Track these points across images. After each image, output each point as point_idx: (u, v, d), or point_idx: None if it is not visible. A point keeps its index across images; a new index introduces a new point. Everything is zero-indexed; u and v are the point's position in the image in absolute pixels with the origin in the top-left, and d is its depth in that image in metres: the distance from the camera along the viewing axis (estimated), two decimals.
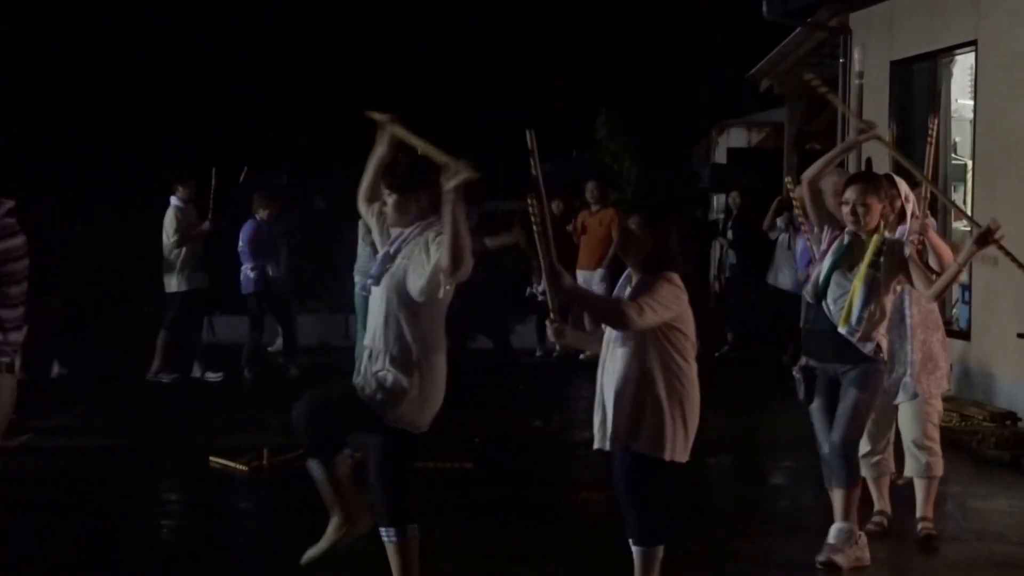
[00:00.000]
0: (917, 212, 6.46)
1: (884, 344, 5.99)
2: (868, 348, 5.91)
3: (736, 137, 20.32)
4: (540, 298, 11.92)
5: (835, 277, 5.99)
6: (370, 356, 5.16)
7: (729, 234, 14.47)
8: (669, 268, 5.18)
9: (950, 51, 11.50)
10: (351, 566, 5.74)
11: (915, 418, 6.51)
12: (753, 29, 15.23)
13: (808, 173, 6.14)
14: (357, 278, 10.97)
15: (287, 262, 12.38)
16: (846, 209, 5.98)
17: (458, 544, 6.63)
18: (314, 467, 5.20)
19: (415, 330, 5.08)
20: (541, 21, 27.38)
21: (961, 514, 7.28)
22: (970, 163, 11.31)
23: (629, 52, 26.62)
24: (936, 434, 6.56)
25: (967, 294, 10.73)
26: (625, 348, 5.14)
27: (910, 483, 6.67)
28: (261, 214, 12.02)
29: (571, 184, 14.37)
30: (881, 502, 6.73)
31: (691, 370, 5.21)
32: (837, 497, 6.03)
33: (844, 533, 6.01)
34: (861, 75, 12.81)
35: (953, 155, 11.79)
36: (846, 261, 5.99)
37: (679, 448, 5.14)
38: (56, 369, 11.99)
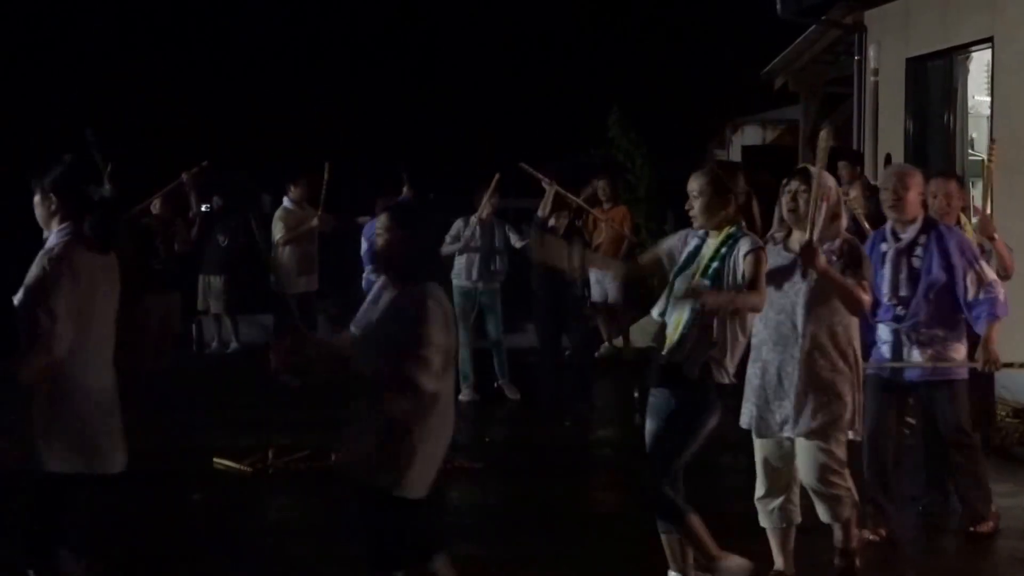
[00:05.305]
0: (842, 214, 5.58)
1: (723, 370, 5.17)
2: (693, 372, 5.13)
3: (750, 135, 20.19)
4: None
5: (676, 288, 5.28)
6: None
7: None
8: (427, 277, 4.63)
9: (966, 48, 11.41)
10: (350, 565, 5.67)
11: (807, 459, 5.49)
12: (767, 27, 15.13)
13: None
14: (455, 280, 10.93)
15: None
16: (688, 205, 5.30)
17: (467, 546, 6.55)
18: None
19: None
20: (554, 18, 27.31)
21: None
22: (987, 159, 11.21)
23: (642, 49, 26.54)
24: (838, 476, 5.50)
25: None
26: (373, 380, 4.56)
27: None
28: None
29: (580, 183, 14.25)
30: (780, 559, 5.69)
31: (444, 390, 4.61)
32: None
33: None
34: (876, 72, 12.71)
35: (970, 151, 11.69)
36: (687, 269, 5.29)
37: (419, 483, 4.61)
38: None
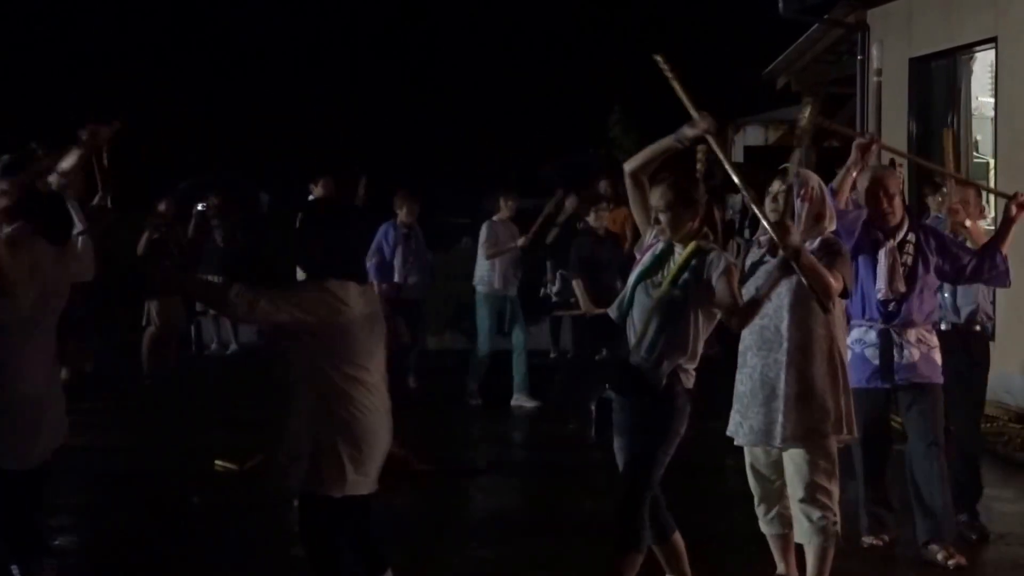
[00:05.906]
0: (826, 214, 5.46)
1: (690, 376, 5.04)
2: (660, 381, 4.96)
3: (753, 135, 20.16)
4: (555, 299, 11.77)
5: (639, 293, 5.09)
6: None
7: (746, 233, 14.31)
8: (331, 274, 4.54)
9: (970, 48, 11.37)
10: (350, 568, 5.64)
11: (795, 469, 5.36)
12: (769, 26, 15.10)
13: (631, 164, 5.20)
14: (480, 287, 10.84)
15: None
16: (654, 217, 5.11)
17: (472, 547, 6.52)
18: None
19: None
20: (554, 18, 27.29)
21: (987, 517, 7.06)
22: (992, 161, 11.18)
23: (643, 49, 26.50)
24: (824, 496, 5.34)
25: (992, 294, 10.54)
26: (292, 371, 4.57)
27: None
28: (401, 215, 11.14)
29: (583, 182, 14.22)
30: (782, 564, 5.62)
31: (362, 392, 4.55)
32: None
33: None
34: (879, 72, 12.66)
35: (975, 153, 11.65)
36: (653, 274, 5.08)
37: (338, 482, 4.52)
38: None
